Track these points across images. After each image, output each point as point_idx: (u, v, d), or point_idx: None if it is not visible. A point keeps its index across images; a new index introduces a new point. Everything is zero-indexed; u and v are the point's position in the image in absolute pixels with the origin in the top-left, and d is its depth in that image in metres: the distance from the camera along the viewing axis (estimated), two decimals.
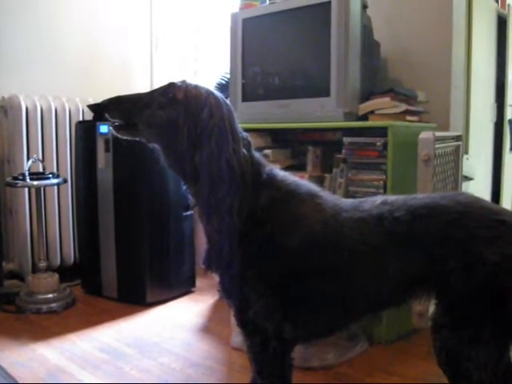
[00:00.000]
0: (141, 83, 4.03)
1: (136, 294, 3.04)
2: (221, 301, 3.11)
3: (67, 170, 3.40)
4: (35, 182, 2.90)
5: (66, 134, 3.38)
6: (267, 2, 3.15)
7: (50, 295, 2.97)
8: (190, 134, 1.39)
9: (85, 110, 3.45)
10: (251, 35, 2.96)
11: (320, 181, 2.62)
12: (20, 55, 3.39)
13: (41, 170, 3.08)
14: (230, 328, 2.50)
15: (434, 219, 1.38)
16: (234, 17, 3.03)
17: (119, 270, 3.07)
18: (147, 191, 3.00)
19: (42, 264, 3.02)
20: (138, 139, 1.50)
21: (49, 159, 3.31)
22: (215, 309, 3.03)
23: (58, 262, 3.40)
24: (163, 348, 2.46)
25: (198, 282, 3.37)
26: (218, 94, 1.44)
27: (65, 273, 3.29)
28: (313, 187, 1.52)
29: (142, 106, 1.44)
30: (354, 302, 1.46)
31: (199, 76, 4.03)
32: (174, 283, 3.17)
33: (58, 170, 3.33)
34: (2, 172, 3.27)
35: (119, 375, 2.19)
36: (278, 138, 2.96)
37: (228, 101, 1.47)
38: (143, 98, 1.46)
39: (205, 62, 4.03)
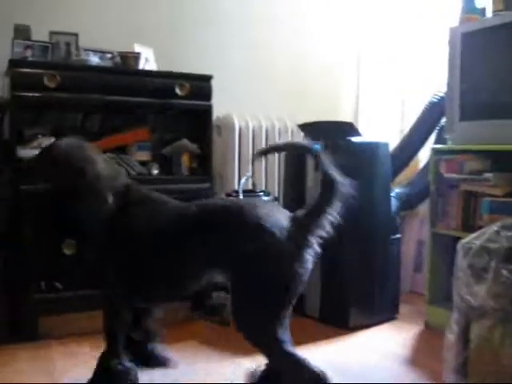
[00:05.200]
0: (346, 110, 4.04)
1: (339, 316, 2.97)
2: (427, 331, 2.94)
3: (275, 188, 3.46)
4: None
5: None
6: (487, 15, 2.95)
7: None
8: None
9: (294, 130, 3.50)
10: (471, 50, 2.79)
11: None
12: (234, 77, 3.57)
13: (250, 187, 3.16)
14: (441, 362, 2.32)
15: (222, 219, 1.86)
16: (453, 31, 2.87)
17: (323, 290, 3.03)
18: (355, 212, 2.91)
19: None
20: None
21: (258, 177, 3.39)
22: (421, 339, 2.85)
23: None
24: (369, 378, 2.35)
25: (402, 308, 3.21)
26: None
27: None
28: (160, 195, 2.07)
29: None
30: (178, 275, 1.95)
31: (409, 96, 3.87)
32: (377, 308, 3.05)
33: (266, 187, 3.40)
34: (214, 186, 3.42)
35: None
36: (500, 161, 2.72)
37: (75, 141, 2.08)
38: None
39: (415, 83, 3.85)
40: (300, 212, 1.89)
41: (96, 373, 2.07)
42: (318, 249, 1.87)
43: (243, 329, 1.83)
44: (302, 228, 1.84)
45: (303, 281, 1.84)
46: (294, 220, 1.86)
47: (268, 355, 1.87)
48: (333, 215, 1.89)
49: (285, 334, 1.82)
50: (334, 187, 1.87)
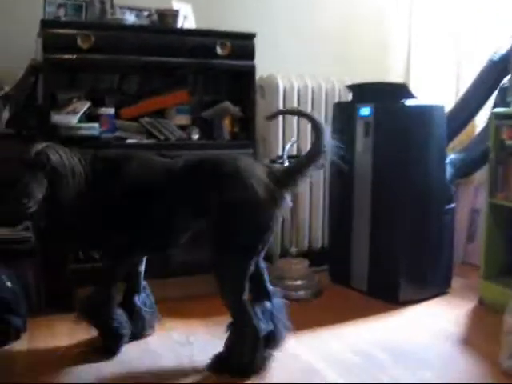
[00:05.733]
0: (396, 70, 3.79)
1: (388, 290, 2.83)
2: (481, 307, 2.77)
3: None
4: None
5: (322, 114, 3.27)
6: None
7: (299, 282, 2.90)
8: None
9: (341, 90, 3.30)
10: None
11: None
12: (278, 35, 3.38)
13: (295, 152, 3.01)
14: (496, 344, 2.16)
15: (202, 172, 2.01)
16: None
17: (371, 262, 2.89)
18: (408, 179, 2.75)
19: (293, 249, 2.95)
20: None
21: (303, 140, 3.23)
22: (475, 317, 2.69)
23: (306, 246, 3.34)
24: (420, 359, 2.21)
25: (454, 281, 3.04)
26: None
27: (312, 257, 3.19)
28: (125, 152, 2.21)
29: None
30: (167, 228, 2.07)
31: (466, 53, 3.58)
32: (428, 282, 2.89)
33: None
34: (258, 151, 3.26)
35: None
36: None
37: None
38: None
39: (473, 38, 3.55)
40: (277, 168, 2.13)
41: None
42: (290, 204, 2.04)
43: (215, 272, 2.00)
44: (278, 183, 1.97)
45: (272, 232, 2.00)
46: (271, 175, 1.99)
47: (230, 304, 2.00)
48: (308, 176, 2.05)
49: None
50: (319, 154, 2.01)
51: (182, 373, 2.09)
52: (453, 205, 2.98)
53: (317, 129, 2.03)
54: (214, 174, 1.99)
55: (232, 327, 2.03)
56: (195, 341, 2.36)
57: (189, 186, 2.01)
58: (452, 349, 2.33)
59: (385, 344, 2.35)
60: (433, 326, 2.56)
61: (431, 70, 3.71)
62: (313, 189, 3.33)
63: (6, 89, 2.67)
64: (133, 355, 2.22)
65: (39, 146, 1.97)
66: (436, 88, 3.63)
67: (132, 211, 2.07)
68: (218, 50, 2.81)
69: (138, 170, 2.09)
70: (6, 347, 2.27)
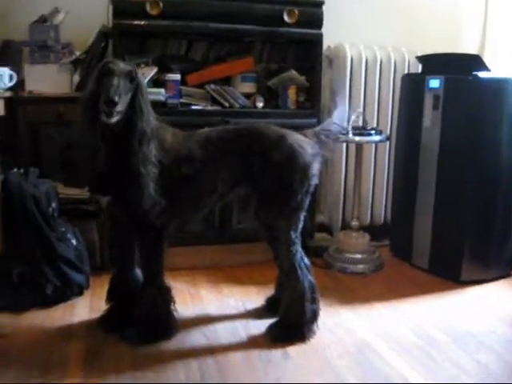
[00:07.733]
0: (470, 41, 3.60)
1: (450, 268, 2.75)
2: None
3: (387, 125, 3.22)
4: (357, 138, 2.77)
5: (390, 86, 3.19)
6: None
7: (359, 256, 2.87)
8: None
9: (411, 62, 3.20)
10: None
11: None
12: (347, 3, 3.28)
13: (361, 123, 2.94)
14: None
15: (243, 139, 2.06)
16: None
17: (434, 239, 2.82)
18: (477, 156, 2.64)
19: (355, 223, 2.91)
20: None
21: (369, 112, 3.16)
22: None
23: (368, 220, 3.30)
24: (481, 342, 2.14)
25: None
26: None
27: (373, 232, 3.14)
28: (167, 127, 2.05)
29: None
30: (203, 196, 2.09)
31: None
32: (492, 262, 2.79)
33: (377, 124, 3.17)
34: (322, 121, 3.21)
35: (430, 365, 1.96)
36: None
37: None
38: None
39: None
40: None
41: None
42: (322, 160, 2.16)
43: (270, 232, 2.07)
44: (313, 137, 2.16)
45: (314, 185, 2.12)
46: (303, 133, 2.16)
47: (286, 261, 2.08)
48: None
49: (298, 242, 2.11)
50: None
51: (234, 337, 2.13)
52: None
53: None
54: (256, 139, 2.05)
55: (287, 283, 2.11)
56: (251, 307, 2.40)
57: (228, 154, 2.04)
58: None
59: (445, 324, 2.30)
60: (496, 309, 2.48)
61: (508, 40, 3.50)
62: (377, 163, 3.27)
63: (77, 53, 2.72)
64: (188, 318, 2.27)
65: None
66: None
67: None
68: (286, 18, 2.77)
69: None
70: (69, 302, 2.38)
